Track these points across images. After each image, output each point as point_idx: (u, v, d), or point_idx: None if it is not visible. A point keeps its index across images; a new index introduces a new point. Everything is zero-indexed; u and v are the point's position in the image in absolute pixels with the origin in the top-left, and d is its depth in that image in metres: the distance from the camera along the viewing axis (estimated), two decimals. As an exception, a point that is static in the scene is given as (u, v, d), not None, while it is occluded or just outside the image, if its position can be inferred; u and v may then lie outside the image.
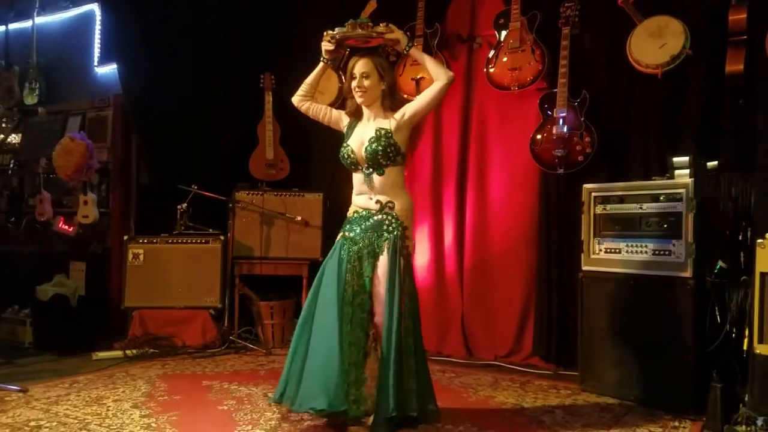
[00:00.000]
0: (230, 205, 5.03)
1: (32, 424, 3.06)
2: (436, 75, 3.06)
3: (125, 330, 4.86)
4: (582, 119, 4.11)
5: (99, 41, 6.09)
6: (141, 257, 4.97)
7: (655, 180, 3.61)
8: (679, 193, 3.42)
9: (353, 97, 3.14)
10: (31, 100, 6.37)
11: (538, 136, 4.27)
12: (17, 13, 6.61)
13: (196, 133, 5.40)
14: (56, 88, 6.38)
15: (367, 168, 3.08)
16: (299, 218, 5.01)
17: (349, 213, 3.21)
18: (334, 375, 2.87)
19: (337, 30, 3.10)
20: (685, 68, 3.84)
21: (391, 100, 3.11)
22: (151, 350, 4.63)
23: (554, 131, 4.15)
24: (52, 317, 4.82)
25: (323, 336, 2.97)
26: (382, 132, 3.05)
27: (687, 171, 3.47)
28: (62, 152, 5.22)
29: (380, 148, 3.02)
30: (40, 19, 6.41)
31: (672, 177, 3.52)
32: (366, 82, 3.06)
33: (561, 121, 4.12)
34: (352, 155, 3.11)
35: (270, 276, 5.12)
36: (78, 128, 5.80)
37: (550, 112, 4.21)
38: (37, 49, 6.34)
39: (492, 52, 4.51)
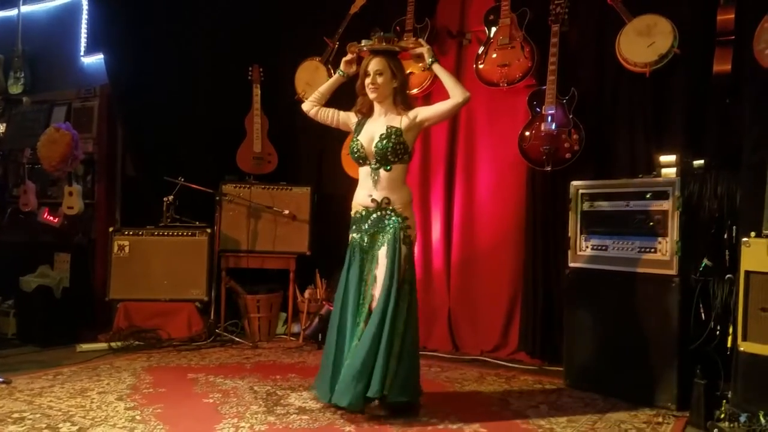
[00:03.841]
0: (217, 197, 5.01)
1: (15, 415, 3.03)
2: (453, 93, 3.16)
3: (110, 322, 4.84)
4: (570, 116, 4.13)
5: (86, 31, 6.03)
6: (126, 249, 4.94)
7: (641, 178, 3.63)
8: (666, 191, 3.44)
9: (365, 94, 3.24)
10: (15, 89, 6.32)
11: (527, 133, 4.28)
12: (3, 1, 6.52)
13: (183, 125, 5.37)
14: (41, 77, 6.31)
15: (375, 163, 3.18)
16: (287, 212, 5.00)
17: (353, 212, 3.32)
18: (353, 376, 3.02)
19: (363, 42, 3.24)
20: (673, 67, 3.87)
21: (402, 98, 3.23)
22: (136, 342, 4.59)
23: (542, 128, 4.16)
24: (35, 308, 4.78)
25: (344, 337, 3.17)
26: (393, 130, 3.15)
27: (673, 169, 3.50)
28: (47, 142, 5.17)
29: (390, 145, 3.13)
30: (26, 8, 6.33)
31: (658, 175, 3.54)
32: (379, 79, 3.17)
33: (549, 118, 4.14)
34: (361, 150, 3.20)
35: (257, 269, 5.11)
36: (63, 118, 5.75)
37: (538, 109, 4.22)
38: (23, 38, 6.27)
39: (481, 48, 4.52)
